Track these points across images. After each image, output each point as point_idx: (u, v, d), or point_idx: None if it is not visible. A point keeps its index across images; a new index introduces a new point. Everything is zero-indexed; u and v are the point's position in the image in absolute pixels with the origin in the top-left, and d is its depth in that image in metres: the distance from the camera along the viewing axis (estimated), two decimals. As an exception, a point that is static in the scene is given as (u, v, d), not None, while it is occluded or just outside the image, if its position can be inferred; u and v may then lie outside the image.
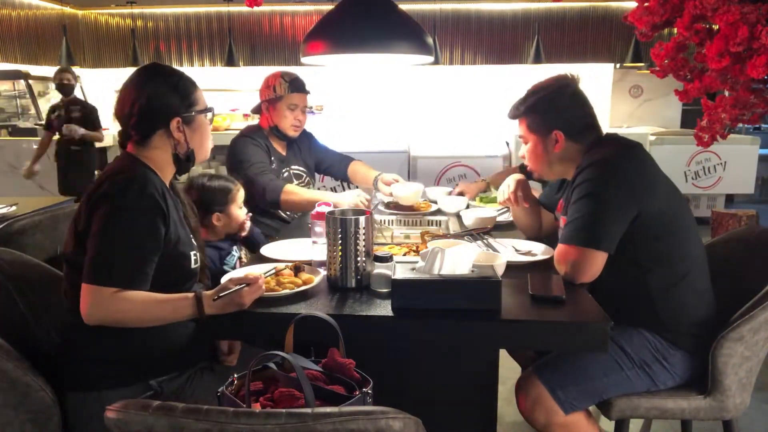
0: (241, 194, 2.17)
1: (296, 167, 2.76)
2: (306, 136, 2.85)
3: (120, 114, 1.53)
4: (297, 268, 1.66)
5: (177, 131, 1.52)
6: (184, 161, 1.57)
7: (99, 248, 1.37)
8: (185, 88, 1.54)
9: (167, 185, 1.55)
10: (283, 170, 2.70)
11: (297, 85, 2.60)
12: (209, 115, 1.60)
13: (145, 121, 1.50)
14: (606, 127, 5.35)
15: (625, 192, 1.57)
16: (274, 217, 2.67)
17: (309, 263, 1.71)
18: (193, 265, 1.55)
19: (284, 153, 2.73)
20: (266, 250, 1.93)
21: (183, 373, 1.53)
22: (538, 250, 1.90)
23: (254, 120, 5.86)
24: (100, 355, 1.43)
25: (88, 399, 1.42)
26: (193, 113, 1.54)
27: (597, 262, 1.56)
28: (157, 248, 1.43)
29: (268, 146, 2.65)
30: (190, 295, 1.42)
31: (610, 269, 1.58)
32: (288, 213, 2.70)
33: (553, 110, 1.73)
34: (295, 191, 2.47)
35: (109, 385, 1.42)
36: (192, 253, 1.55)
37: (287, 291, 1.53)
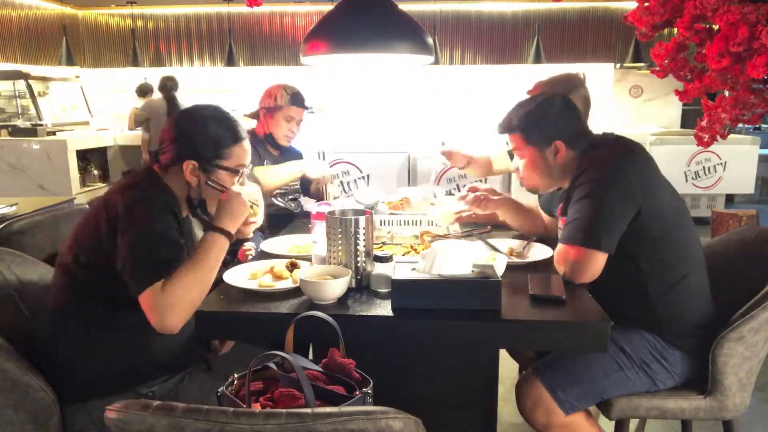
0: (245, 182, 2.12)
1: None
2: (297, 154, 2.91)
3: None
4: (293, 264, 1.67)
5: (190, 174, 1.50)
6: (195, 206, 1.56)
7: (135, 256, 1.34)
8: (219, 137, 1.52)
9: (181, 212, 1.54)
10: None
11: (297, 99, 2.68)
12: (238, 176, 1.56)
13: (168, 150, 1.51)
14: (607, 127, 5.36)
15: (624, 192, 1.57)
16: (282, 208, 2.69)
17: (309, 259, 1.72)
18: None
19: (277, 155, 2.78)
20: (266, 245, 1.96)
21: (173, 376, 1.52)
22: (536, 251, 1.90)
23: (252, 121, 5.78)
24: (83, 367, 1.42)
25: (77, 411, 1.41)
26: (214, 167, 1.52)
27: (597, 262, 1.56)
28: (180, 240, 1.43)
29: (262, 149, 2.70)
30: (211, 233, 1.44)
31: (609, 270, 1.58)
32: (293, 205, 2.72)
33: (550, 120, 1.72)
34: (263, 172, 2.50)
35: (95, 396, 1.41)
36: None
37: (280, 287, 1.55)
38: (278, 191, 2.67)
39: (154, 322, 1.32)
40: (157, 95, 5.68)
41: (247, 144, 1.59)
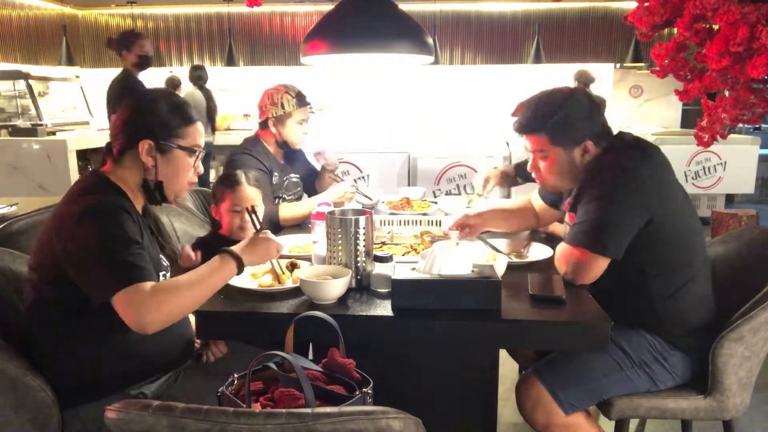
0: (240, 198, 2.02)
1: (294, 175, 2.78)
2: (301, 156, 2.91)
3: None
4: (293, 264, 1.67)
5: (146, 155, 1.44)
6: (152, 190, 1.47)
7: (100, 260, 1.29)
8: (174, 116, 1.46)
9: (137, 208, 1.49)
10: (284, 178, 2.72)
11: (302, 100, 2.64)
12: (193, 157, 1.49)
13: (121, 134, 1.45)
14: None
15: (638, 199, 1.54)
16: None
17: (309, 259, 1.72)
18: None
19: (283, 161, 2.76)
20: None
21: (161, 376, 1.50)
22: (536, 251, 1.90)
23: (252, 120, 5.81)
24: (68, 371, 1.40)
25: (68, 417, 1.40)
26: (171, 145, 1.45)
27: (599, 266, 1.56)
28: (140, 240, 1.38)
29: (269, 158, 2.65)
30: (226, 257, 1.40)
31: (613, 272, 1.57)
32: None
33: (580, 120, 1.64)
34: (289, 210, 2.48)
35: (84, 400, 1.40)
36: (161, 273, 1.50)
37: (279, 287, 1.56)
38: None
39: (131, 320, 1.25)
40: (187, 87, 5.85)
41: (200, 126, 1.53)
